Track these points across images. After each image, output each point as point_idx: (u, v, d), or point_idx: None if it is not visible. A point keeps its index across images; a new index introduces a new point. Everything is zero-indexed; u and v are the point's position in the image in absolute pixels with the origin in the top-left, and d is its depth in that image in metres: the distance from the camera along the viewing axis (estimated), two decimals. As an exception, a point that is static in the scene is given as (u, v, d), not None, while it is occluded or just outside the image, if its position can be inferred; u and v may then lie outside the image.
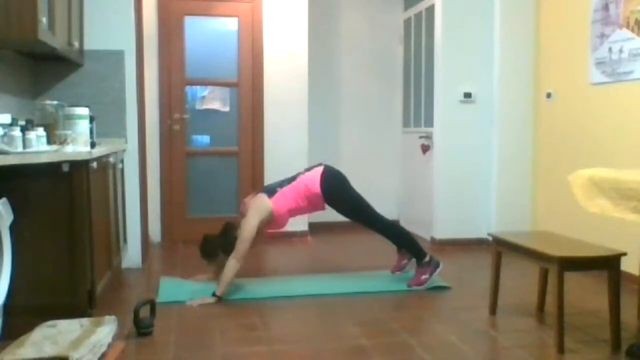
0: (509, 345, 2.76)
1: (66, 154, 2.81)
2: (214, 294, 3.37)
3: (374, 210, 3.73)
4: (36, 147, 2.84)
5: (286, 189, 3.63)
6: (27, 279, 2.72)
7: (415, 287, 3.64)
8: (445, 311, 3.29)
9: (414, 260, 3.79)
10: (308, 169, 3.79)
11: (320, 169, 3.70)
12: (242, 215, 3.62)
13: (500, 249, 3.11)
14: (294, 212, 3.66)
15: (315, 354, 2.65)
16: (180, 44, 5.19)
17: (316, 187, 3.60)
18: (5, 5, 2.84)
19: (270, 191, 3.64)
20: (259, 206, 3.55)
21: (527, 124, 4.91)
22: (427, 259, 3.70)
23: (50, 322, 2.65)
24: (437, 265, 3.71)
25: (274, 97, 5.29)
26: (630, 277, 3.33)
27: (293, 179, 3.69)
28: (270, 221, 3.59)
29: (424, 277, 3.67)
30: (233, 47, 5.29)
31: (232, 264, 3.40)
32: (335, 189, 3.66)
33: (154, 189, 5.10)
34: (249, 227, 3.46)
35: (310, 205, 3.68)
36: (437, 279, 3.77)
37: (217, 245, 3.61)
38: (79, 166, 2.83)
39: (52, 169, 2.73)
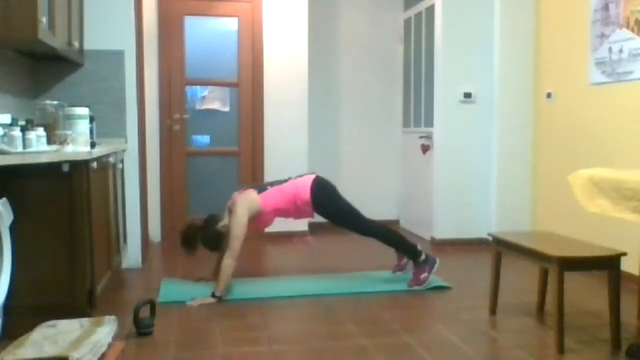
0: (509, 345, 2.76)
1: (66, 154, 2.81)
2: (213, 295, 3.37)
3: (363, 217, 3.71)
4: (36, 147, 2.84)
5: (276, 188, 3.65)
6: (27, 279, 2.72)
7: (415, 287, 3.64)
8: (446, 311, 3.29)
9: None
10: (300, 176, 3.78)
11: (311, 177, 3.69)
12: (230, 209, 3.60)
13: (500, 249, 3.11)
14: (280, 212, 3.66)
15: (315, 354, 2.65)
16: (180, 44, 5.20)
17: (306, 194, 3.60)
18: (5, 5, 2.84)
19: (260, 188, 3.67)
20: (247, 200, 3.55)
21: (527, 124, 4.91)
22: (423, 257, 3.70)
23: (50, 322, 2.65)
24: (434, 263, 3.71)
25: (274, 97, 5.29)
26: (630, 277, 3.32)
27: (284, 181, 3.70)
28: (256, 217, 3.58)
29: (422, 276, 3.67)
30: (233, 47, 5.30)
31: (228, 264, 3.40)
32: (325, 198, 3.66)
33: (154, 189, 5.10)
34: (239, 224, 3.46)
35: (297, 211, 3.67)
36: (437, 279, 3.77)
37: (197, 237, 3.61)
38: (79, 166, 2.83)
39: (52, 169, 2.73)
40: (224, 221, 3.61)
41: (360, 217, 3.71)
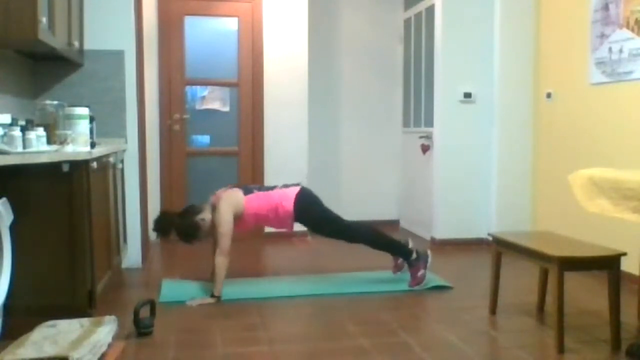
0: (509, 345, 2.76)
1: (66, 154, 2.81)
2: (212, 295, 3.38)
3: (346, 222, 3.69)
4: (36, 147, 2.84)
5: (262, 193, 3.64)
6: (27, 279, 2.72)
7: (416, 287, 3.64)
8: (445, 311, 3.29)
9: None
10: (286, 186, 3.76)
11: (297, 189, 3.68)
12: (213, 206, 3.59)
13: (500, 249, 3.11)
14: (260, 218, 3.64)
15: (315, 354, 2.65)
16: (180, 44, 5.19)
17: (289, 205, 3.59)
18: (5, 5, 2.84)
19: (246, 190, 3.66)
20: (231, 199, 3.55)
21: (527, 124, 4.91)
22: (414, 255, 3.69)
23: (50, 322, 2.65)
24: (427, 258, 3.70)
25: (274, 97, 5.29)
26: (630, 277, 3.33)
27: (270, 188, 3.71)
28: (237, 220, 3.54)
29: (420, 273, 3.66)
30: (233, 47, 5.30)
31: (220, 262, 3.40)
32: (306, 208, 3.64)
33: (154, 189, 5.10)
34: (225, 221, 3.45)
35: (277, 220, 3.65)
36: (438, 278, 3.78)
37: (172, 224, 3.58)
38: (79, 166, 2.83)
39: (52, 169, 2.73)
40: (204, 215, 3.57)
41: (343, 223, 3.68)
